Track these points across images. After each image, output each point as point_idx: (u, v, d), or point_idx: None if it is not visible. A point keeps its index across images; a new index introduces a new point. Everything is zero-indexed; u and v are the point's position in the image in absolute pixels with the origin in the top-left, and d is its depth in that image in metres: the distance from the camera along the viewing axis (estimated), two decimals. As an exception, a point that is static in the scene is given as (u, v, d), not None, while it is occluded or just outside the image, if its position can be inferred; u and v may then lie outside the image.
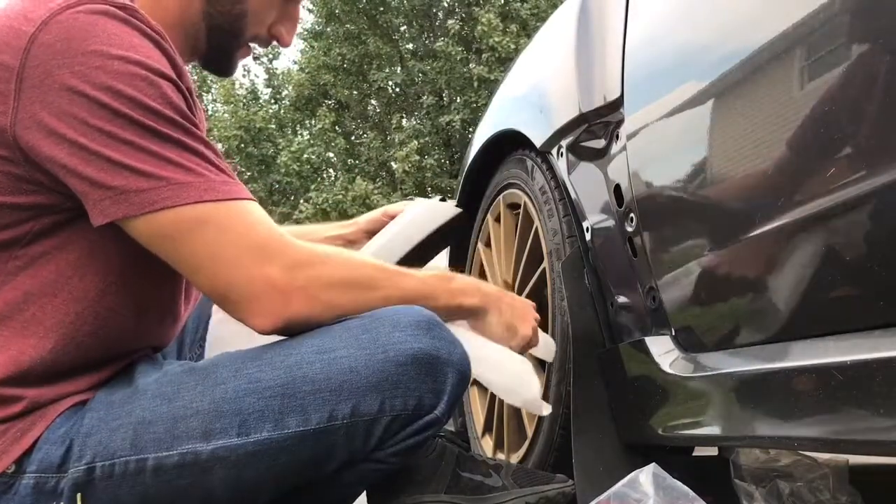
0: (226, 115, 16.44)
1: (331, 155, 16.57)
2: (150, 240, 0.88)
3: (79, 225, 0.90)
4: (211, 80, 18.61)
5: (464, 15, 16.25)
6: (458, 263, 1.83)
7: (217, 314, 1.26)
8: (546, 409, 1.15)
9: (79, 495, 0.88)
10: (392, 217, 1.41)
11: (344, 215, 13.60)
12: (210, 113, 17.90)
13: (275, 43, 1.13)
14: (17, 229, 0.89)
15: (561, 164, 1.32)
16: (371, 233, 1.41)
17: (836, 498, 1.08)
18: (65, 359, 0.91)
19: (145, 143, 0.85)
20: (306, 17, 17.02)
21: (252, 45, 1.13)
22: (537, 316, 1.17)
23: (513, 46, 14.21)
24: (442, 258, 1.41)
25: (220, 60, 1.12)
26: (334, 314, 0.95)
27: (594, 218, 1.24)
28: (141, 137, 0.85)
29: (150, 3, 0.99)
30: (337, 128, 16.70)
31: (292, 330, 0.93)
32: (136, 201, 0.85)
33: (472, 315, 1.10)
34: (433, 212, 1.42)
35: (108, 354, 0.96)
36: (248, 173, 16.41)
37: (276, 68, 18.57)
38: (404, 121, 16.41)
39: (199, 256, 0.88)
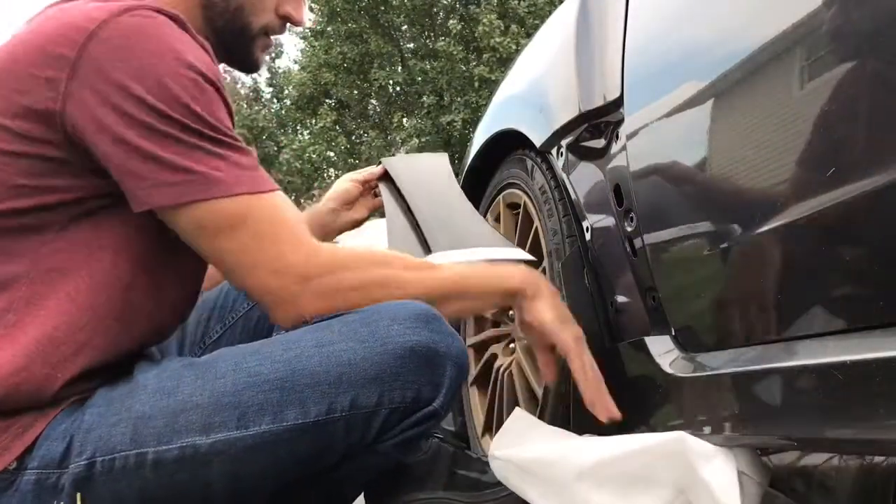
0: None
1: (332, 154, 16.57)
2: (185, 232, 0.93)
3: (114, 213, 0.92)
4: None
5: (464, 14, 16.25)
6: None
7: None
8: None
9: (78, 494, 0.88)
10: (362, 182, 1.47)
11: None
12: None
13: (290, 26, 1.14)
14: (51, 214, 0.90)
15: (561, 164, 1.32)
16: (344, 203, 1.45)
17: (836, 497, 1.08)
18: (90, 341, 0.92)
19: (191, 140, 0.89)
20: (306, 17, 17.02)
21: (270, 35, 1.13)
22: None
23: (513, 47, 14.21)
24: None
25: (240, 59, 1.13)
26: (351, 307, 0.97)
27: (594, 218, 1.24)
28: (187, 135, 0.89)
29: None
30: (338, 127, 16.71)
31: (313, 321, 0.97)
32: (174, 192, 0.89)
33: (512, 300, 1.08)
34: (432, 162, 1.43)
35: (126, 339, 0.97)
36: (250, 172, 16.40)
37: (279, 67, 18.61)
38: (405, 120, 16.41)
39: (228, 255, 0.94)
